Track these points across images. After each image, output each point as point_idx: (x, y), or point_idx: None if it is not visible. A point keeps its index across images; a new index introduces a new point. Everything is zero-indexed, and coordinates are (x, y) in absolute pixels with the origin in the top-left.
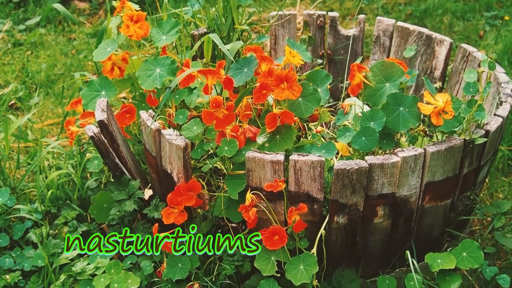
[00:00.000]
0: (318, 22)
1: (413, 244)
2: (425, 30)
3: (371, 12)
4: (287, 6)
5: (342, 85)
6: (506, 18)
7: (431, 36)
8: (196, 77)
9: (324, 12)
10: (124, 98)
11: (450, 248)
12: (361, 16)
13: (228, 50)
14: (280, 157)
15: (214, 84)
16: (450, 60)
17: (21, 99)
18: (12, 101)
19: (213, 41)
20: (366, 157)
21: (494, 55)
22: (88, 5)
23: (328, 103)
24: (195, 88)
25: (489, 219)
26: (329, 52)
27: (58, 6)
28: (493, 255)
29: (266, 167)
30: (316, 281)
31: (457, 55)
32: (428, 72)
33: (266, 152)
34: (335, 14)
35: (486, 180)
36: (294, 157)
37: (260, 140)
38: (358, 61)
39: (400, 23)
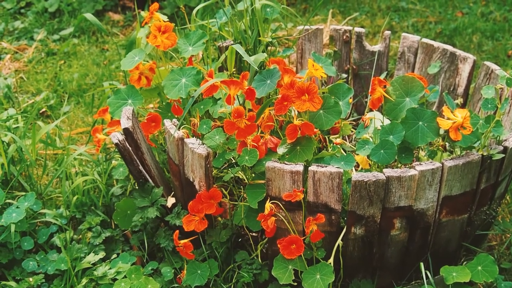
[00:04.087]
0: (344, 37)
1: (429, 257)
2: (449, 47)
3: (401, 30)
4: (319, 22)
5: (366, 100)
6: None
7: (455, 53)
8: (220, 87)
9: (350, 28)
10: (153, 108)
11: (466, 262)
12: (387, 33)
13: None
14: (299, 167)
15: (237, 95)
16: (473, 77)
17: (52, 108)
18: (43, 109)
19: (239, 53)
20: (384, 170)
21: None
22: (122, 17)
23: (352, 117)
24: (219, 98)
25: (508, 235)
26: (354, 67)
27: (89, 16)
28: (510, 271)
29: (285, 177)
30: None
31: (480, 73)
32: (451, 89)
33: (286, 162)
34: (361, 29)
35: (507, 198)
36: (313, 168)
37: (281, 150)
38: (382, 77)
39: (424, 40)
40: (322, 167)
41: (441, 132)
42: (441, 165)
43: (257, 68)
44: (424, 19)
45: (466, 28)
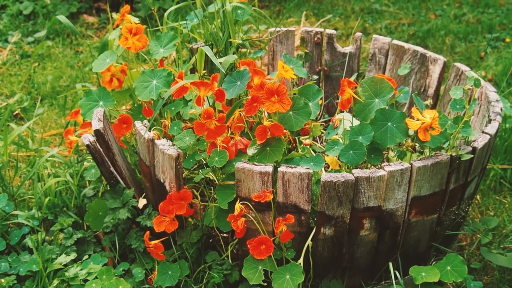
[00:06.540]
0: (316, 39)
1: (399, 257)
2: (420, 49)
3: (374, 32)
4: (292, 24)
5: (337, 101)
6: (508, 40)
7: (425, 54)
8: (190, 89)
9: (322, 29)
10: (126, 109)
11: (435, 262)
12: (358, 34)
13: (221, 63)
14: (269, 168)
15: (207, 96)
16: (444, 78)
17: (26, 110)
18: (17, 111)
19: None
20: (353, 170)
21: (480, 73)
22: (97, 19)
23: (323, 118)
24: (190, 100)
25: (478, 235)
26: (325, 68)
27: (62, 18)
28: (480, 271)
29: (255, 178)
30: None
31: (451, 74)
32: (422, 90)
33: (256, 163)
34: (332, 31)
35: (478, 198)
36: (282, 168)
37: (251, 151)
38: (352, 78)
39: (395, 41)
40: (292, 168)
41: (411, 132)
42: (410, 165)
43: (223, 71)
44: (397, 21)
45: (439, 30)
